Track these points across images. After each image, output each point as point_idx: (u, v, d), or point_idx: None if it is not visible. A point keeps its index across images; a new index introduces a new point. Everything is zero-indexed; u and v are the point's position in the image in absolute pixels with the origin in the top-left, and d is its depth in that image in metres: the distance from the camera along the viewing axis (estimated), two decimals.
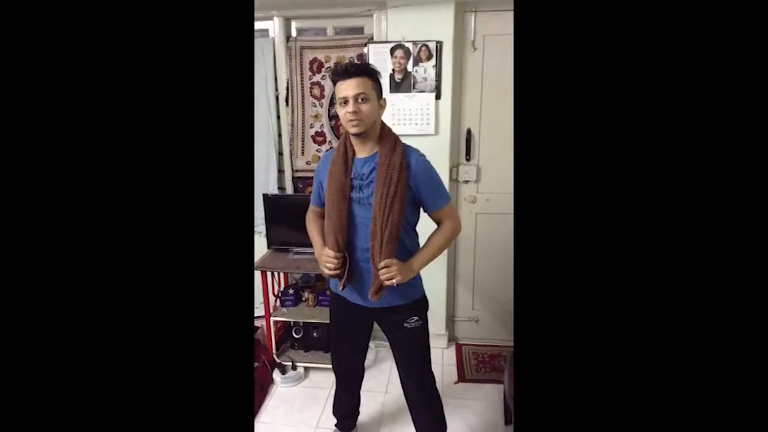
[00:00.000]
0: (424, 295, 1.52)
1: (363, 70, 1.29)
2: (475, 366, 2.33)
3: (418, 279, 1.48)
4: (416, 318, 1.47)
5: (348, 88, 1.26)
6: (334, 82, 1.31)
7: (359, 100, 1.27)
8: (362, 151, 1.37)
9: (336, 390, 1.79)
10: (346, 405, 1.80)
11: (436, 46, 2.09)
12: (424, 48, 2.10)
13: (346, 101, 1.27)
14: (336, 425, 1.84)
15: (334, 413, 1.84)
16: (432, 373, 1.59)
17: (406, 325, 1.46)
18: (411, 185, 1.34)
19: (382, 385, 2.20)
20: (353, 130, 1.31)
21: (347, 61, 2.25)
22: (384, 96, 1.37)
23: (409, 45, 2.10)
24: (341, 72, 1.28)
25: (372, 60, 2.14)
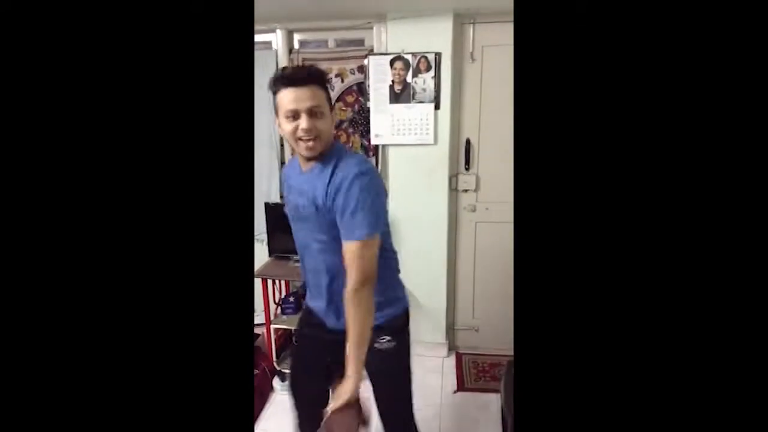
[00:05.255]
0: (405, 312, 1.26)
1: (314, 75, 1.07)
2: (474, 375, 2.33)
3: (397, 291, 1.26)
4: (388, 338, 1.19)
5: (300, 99, 1.03)
6: (275, 92, 1.07)
7: (314, 115, 1.04)
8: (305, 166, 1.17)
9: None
10: None
11: (435, 58, 2.12)
12: (423, 59, 2.13)
13: (296, 115, 1.04)
14: None
15: None
16: (414, 420, 1.31)
17: (376, 345, 1.16)
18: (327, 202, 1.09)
19: None
20: (307, 153, 1.08)
21: (348, 72, 2.29)
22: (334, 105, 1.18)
23: (409, 57, 2.14)
24: (287, 78, 1.05)
25: (372, 72, 2.18)
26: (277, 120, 1.10)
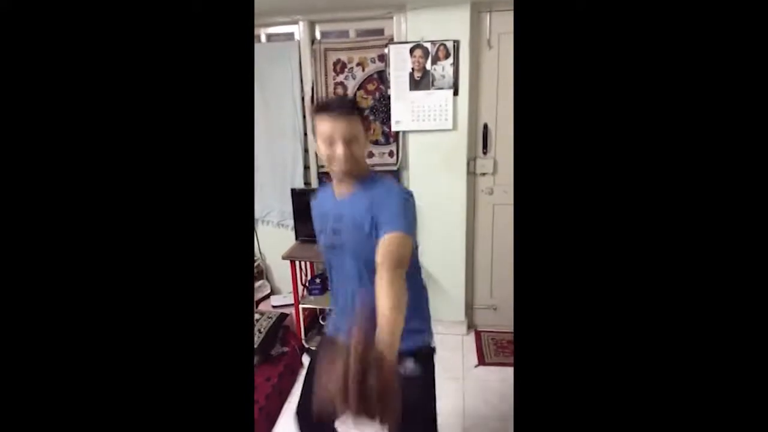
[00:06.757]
0: (430, 347, 1.26)
1: (350, 105, 1.15)
2: (494, 350, 2.43)
3: (426, 323, 1.28)
4: (412, 360, 1.18)
5: (336, 127, 1.11)
6: (315, 116, 1.15)
7: (349, 142, 1.12)
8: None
9: None
10: None
11: (454, 45, 2.19)
12: (441, 47, 2.21)
13: (332, 142, 1.12)
14: None
15: None
16: None
17: (401, 370, 1.07)
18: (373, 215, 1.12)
19: None
20: (339, 172, 1.15)
21: (368, 61, 2.37)
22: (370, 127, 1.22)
23: (428, 45, 2.21)
24: (326, 106, 1.14)
25: (392, 60, 2.26)
26: (316, 140, 1.18)
